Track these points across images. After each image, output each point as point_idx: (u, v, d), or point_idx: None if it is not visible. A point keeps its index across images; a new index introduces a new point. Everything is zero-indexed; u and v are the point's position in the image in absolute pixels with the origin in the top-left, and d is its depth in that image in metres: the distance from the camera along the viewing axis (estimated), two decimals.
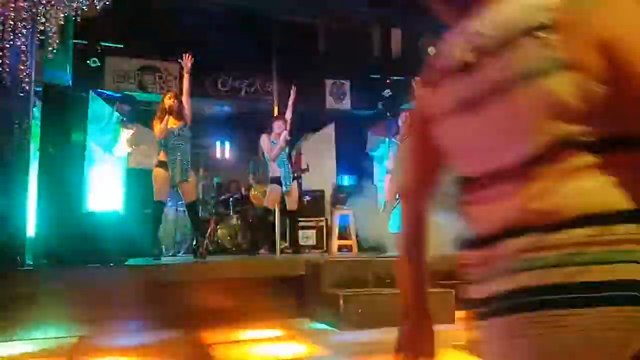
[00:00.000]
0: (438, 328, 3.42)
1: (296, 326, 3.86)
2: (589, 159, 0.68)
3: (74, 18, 5.04)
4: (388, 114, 8.25)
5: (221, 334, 3.59)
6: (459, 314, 4.00)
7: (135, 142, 7.63)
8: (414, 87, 6.26)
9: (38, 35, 4.64)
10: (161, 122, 5.14)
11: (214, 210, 7.79)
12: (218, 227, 7.59)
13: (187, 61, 5.37)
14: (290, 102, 6.19)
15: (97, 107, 7.18)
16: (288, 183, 5.92)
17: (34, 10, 4.58)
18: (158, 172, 5.18)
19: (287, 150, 6.05)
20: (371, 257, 5.70)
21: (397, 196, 6.25)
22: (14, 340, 3.47)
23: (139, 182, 7.09)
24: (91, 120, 6.88)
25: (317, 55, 8.24)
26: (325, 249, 7.86)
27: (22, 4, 4.52)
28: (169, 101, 5.17)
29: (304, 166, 8.04)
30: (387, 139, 6.32)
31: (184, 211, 6.06)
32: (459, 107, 0.77)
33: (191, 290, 4.02)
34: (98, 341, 3.46)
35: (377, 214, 7.34)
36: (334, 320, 3.77)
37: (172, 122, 5.17)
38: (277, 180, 5.87)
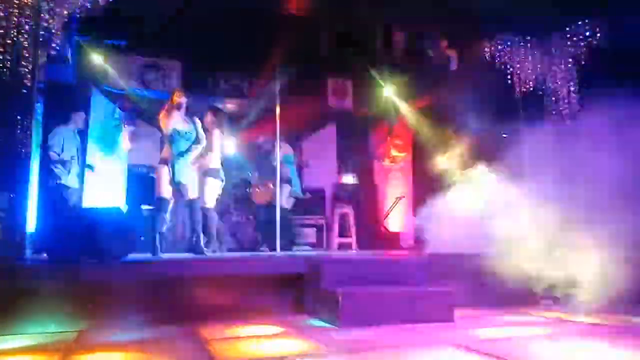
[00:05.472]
0: (437, 327, 3.43)
1: (295, 323, 3.86)
2: None
3: (77, 15, 5.05)
4: None
5: (220, 331, 3.60)
6: (458, 312, 4.01)
7: (136, 139, 7.65)
8: None
9: (41, 32, 4.65)
10: (168, 116, 5.20)
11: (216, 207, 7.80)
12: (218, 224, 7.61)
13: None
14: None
15: (100, 104, 7.20)
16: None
17: (37, 6, 4.60)
18: (161, 169, 5.21)
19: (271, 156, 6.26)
20: (371, 254, 5.71)
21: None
22: (13, 334, 3.48)
23: (140, 178, 7.12)
24: (93, 117, 6.90)
25: (319, 54, 8.24)
26: (325, 246, 7.88)
27: (26, 1, 4.54)
28: (177, 98, 5.23)
29: (304, 162, 8.06)
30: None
31: (185, 208, 6.08)
32: None
33: (190, 286, 4.04)
34: (96, 336, 3.47)
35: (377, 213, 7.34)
36: (333, 318, 3.77)
37: (178, 122, 5.21)
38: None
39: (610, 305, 4.23)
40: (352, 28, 7.50)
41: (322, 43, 8.31)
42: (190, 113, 5.38)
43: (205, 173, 5.65)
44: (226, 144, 9.26)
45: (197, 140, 5.38)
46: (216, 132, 5.81)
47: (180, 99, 5.23)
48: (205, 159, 5.61)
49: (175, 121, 5.19)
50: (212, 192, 5.74)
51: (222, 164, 5.85)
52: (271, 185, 6.86)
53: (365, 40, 7.87)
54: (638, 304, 4.18)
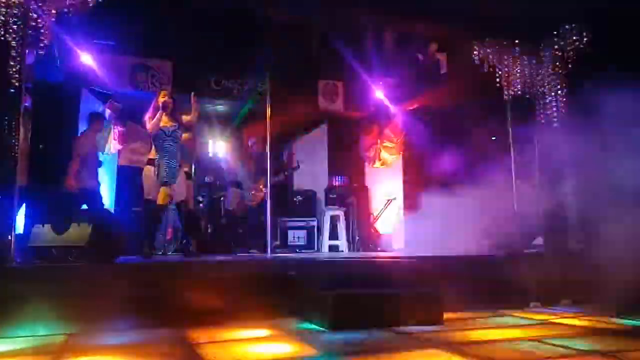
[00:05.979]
0: (427, 329, 3.44)
1: (285, 326, 3.86)
2: None
3: (66, 14, 5.01)
4: None
5: (210, 333, 3.59)
6: (447, 315, 4.03)
7: (126, 140, 7.61)
8: None
9: (30, 31, 4.61)
10: (153, 117, 5.19)
11: (205, 209, 7.78)
12: (209, 226, 7.59)
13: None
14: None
15: (89, 105, 7.15)
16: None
17: (25, 6, 4.55)
18: (149, 170, 5.18)
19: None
20: (361, 257, 5.72)
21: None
22: (1, 338, 3.44)
23: (130, 180, 7.09)
24: (82, 118, 6.86)
25: (310, 56, 8.25)
26: (316, 248, 7.89)
27: (14, 0, 4.50)
28: (163, 99, 5.22)
29: (294, 164, 8.07)
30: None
31: (175, 210, 6.06)
32: None
33: (180, 289, 4.02)
34: (86, 340, 3.44)
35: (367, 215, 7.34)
36: (323, 320, 3.78)
37: (164, 122, 5.20)
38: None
39: (600, 307, 4.28)
40: (342, 30, 7.51)
41: (312, 45, 8.31)
42: (176, 113, 5.37)
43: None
44: (217, 146, 9.27)
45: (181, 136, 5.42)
46: (188, 135, 5.81)
47: (166, 99, 5.22)
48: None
49: (160, 122, 5.18)
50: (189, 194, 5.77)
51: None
52: (262, 187, 6.87)
53: (355, 42, 7.87)
54: (629, 306, 4.21)
